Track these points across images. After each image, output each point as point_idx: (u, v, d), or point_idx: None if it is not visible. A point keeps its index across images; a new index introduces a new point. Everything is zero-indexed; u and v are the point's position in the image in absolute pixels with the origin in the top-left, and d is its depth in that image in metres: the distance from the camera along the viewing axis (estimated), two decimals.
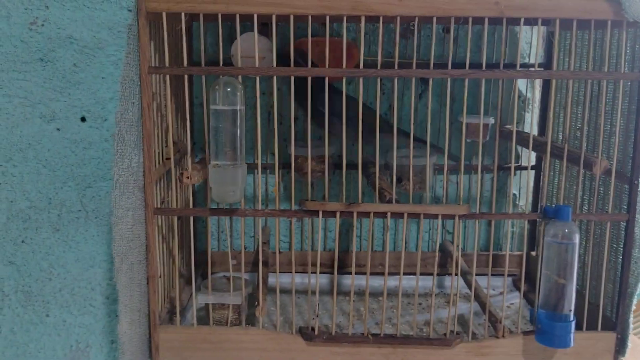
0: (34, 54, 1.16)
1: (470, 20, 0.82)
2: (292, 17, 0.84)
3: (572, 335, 0.85)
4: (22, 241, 1.21)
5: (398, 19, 0.84)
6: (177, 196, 0.98)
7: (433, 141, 1.21)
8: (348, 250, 1.25)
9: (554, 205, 0.86)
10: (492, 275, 0.99)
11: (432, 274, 1.21)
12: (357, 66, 1.13)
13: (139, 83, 0.84)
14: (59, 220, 1.21)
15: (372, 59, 1.18)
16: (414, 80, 0.86)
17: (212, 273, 1.23)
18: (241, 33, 0.96)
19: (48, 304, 1.19)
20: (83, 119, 1.18)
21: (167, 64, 0.84)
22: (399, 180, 1.14)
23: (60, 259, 1.22)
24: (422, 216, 0.86)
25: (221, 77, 0.83)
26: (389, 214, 0.86)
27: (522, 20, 0.82)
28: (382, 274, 0.90)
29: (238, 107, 0.82)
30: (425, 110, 1.21)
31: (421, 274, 0.96)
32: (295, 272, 1.07)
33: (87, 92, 1.16)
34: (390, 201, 0.86)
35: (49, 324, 1.18)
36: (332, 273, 0.86)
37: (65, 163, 1.20)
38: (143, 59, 0.82)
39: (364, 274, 0.95)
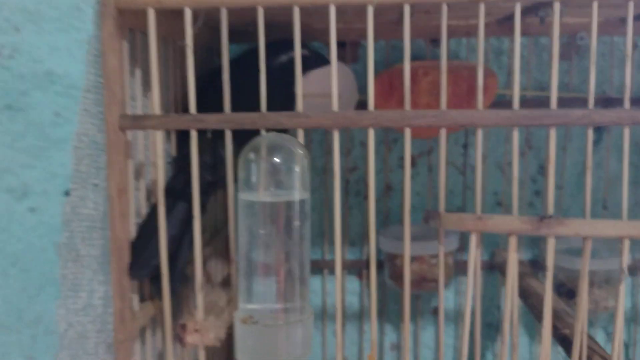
0: None
1: None
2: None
3: None
4: None
5: None
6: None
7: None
8: None
9: None
10: None
11: None
12: (494, 105, 0.70)
13: (104, 148, 0.43)
14: (33, 344, 0.80)
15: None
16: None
17: None
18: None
19: None
20: (68, 194, 0.78)
21: (156, 110, 0.42)
22: (570, 294, 0.68)
23: None
24: None
25: (263, 134, 0.41)
26: None
27: None
28: None
29: (296, 197, 0.39)
30: (600, 171, 0.75)
31: None
32: None
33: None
34: None
35: None
36: None
37: (44, 259, 0.80)
38: (110, 101, 0.41)
39: None
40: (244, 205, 0.39)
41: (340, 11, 0.42)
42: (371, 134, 0.41)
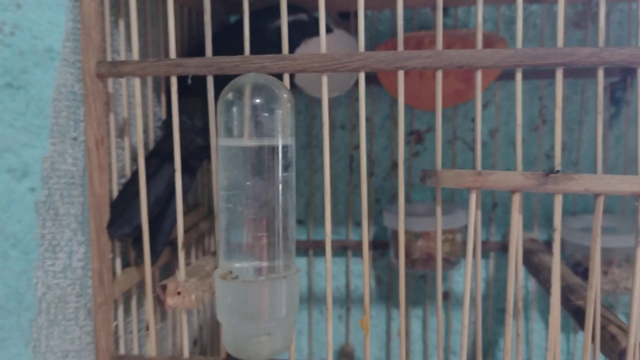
0: None
1: None
2: None
3: None
4: None
5: None
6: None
7: None
8: None
9: None
10: None
11: None
12: (504, 76, 0.67)
13: (82, 97, 0.41)
14: (31, 328, 0.79)
15: None
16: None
17: None
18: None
19: None
20: None
21: (135, 55, 0.40)
22: (586, 274, 0.64)
23: None
24: None
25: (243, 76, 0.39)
26: None
27: None
28: None
29: (278, 142, 0.36)
30: (619, 146, 0.71)
31: None
32: None
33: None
34: None
35: None
36: None
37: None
38: (87, 46, 0.39)
39: None
40: (223, 152, 0.36)
41: None
42: (362, 77, 0.39)
